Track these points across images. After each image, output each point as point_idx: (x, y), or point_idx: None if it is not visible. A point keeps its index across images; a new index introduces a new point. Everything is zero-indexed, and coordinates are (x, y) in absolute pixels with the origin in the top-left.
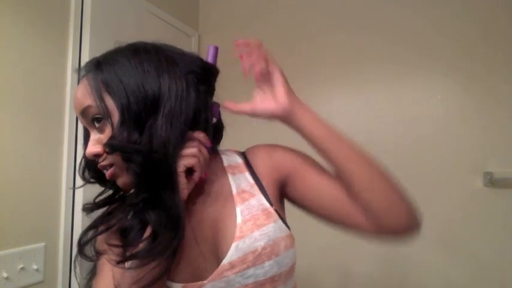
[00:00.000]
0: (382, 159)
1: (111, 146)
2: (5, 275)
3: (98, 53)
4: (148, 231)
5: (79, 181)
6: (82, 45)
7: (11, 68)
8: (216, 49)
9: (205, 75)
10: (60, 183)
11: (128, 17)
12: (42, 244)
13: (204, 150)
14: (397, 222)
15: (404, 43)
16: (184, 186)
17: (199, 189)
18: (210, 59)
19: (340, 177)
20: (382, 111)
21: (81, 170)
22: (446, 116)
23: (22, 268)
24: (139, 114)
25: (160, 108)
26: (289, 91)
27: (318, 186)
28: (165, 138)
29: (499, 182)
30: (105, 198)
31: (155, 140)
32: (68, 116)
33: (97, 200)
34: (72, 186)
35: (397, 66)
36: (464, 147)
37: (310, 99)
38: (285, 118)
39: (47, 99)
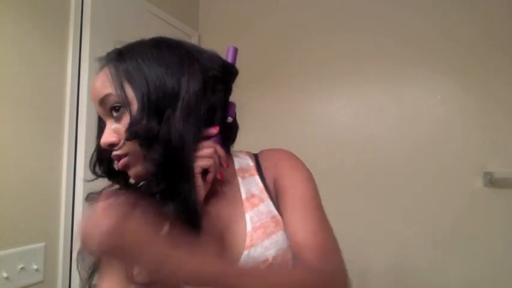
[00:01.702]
0: (381, 160)
1: (133, 132)
2: (5, 275)
3: (97, 53)
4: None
5: (79, 181)
6: (82, 45)
7: (11, 68)
8: (236, 50)
9: (223, 73)
10: (60, 183)
11: (127, 17)
12: (42, 244)
13: (220, 151)
14: None
15: (404, 43)
16: (201, 188)
17: (211, 191)
18: (229, 60)
19: None
20: (382, 111)
21: (92, 165)
22: (446, 116)
23: (22, 268)
24: (157, 104)
25: (179, 101)
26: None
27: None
28: (182, 132)
29: (499, 182)
30: (112, 190)
31: (173, 131)
32: (68, 116)
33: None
34: (72, 186)
35: (397, 66)
36: (464, 147)
37: (311, 98)
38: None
39: (47, 99)
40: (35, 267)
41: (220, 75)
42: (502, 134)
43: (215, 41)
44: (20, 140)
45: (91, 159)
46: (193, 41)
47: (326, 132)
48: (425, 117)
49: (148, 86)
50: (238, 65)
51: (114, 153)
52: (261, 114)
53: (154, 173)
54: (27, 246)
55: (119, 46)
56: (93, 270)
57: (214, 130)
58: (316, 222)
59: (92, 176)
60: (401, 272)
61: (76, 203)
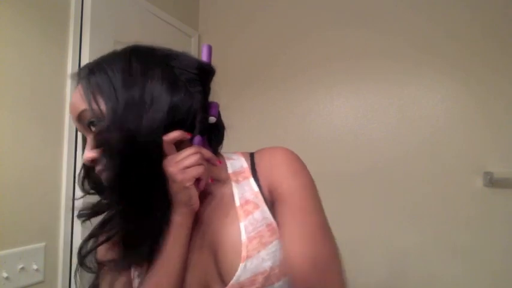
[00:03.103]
0: (381, 160)
1: (99, 141)
2: (5, 275)
3: (97, 53)
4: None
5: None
6: (82, 45)
7: (11, 69)
8: (210, 48)
9: (199, 75)
10: (60, 183)
11: (128, 17)
12: (42, 244)
13: (206, 153)
14: None
15: (405, 42)
16: (196, 197)
17: (201, 196)
18: (204, 58)
19: None
20: (382, 111)
21: (80, 181)
22: (446, 116)
23: (22, 268)
24: (126, 115)
25: (146, 109)
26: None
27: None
28: (150, 140)
29: (499, 182)
30: (102, 205)
31: (141, 140)
32: (68, 115)
33: (94, 208)
34: (72, 186)
35: (397, 65)
36: (464, 147)
37: (311, 98)
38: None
39: (47, 100)
40: (35, 267)
41: (195, 77)
42: (502, 134)
43: (215, 41)
44: (20, 140)
45: (79, 176)
46: (193, 41)
47: (325, 132)
48: (425, 117)
49: (117, 99)
50: (238, 64)
51: (96, 168)
52: (260, 113)
53: (111, 185)
54: (27, 246)
55: (118, 46)
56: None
57: (173, 134)
58: (314, 237)
59: (81, 194)
60: (400, 272)
61: (76, 203)
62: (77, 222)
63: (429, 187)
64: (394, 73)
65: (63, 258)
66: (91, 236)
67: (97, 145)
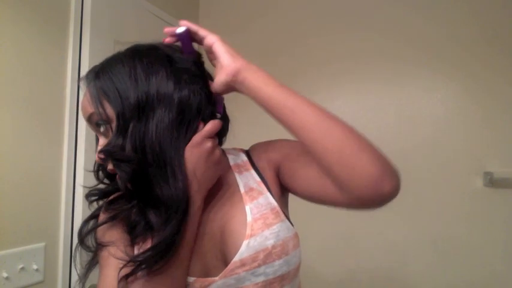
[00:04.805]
0: None
1: (104, 153)
2: (5, 275)
3: (97, 53)
4: (151, 237)
5: (79, 181)
6: (82, 45)
7: (11, 68)
8: (187, 32)
9: (198, 71)
10: (60, 183)
11: (128, 17)
12: (42, 244)
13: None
14: (369, 188)
15: (404, 42)
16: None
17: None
18: (186, 45)
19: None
20: (382, 111)
21: (95, 170)
22: (446, 115)
23: (22, 268)
24: (132, 120)
25: (155, 111)
26: (234, 55)
27: (297, 172)
28: (161, 144)
29: (499, 182)
30: (111, 189)
31: (148, 145)
32: (68, 116)
33: (103, 189)
34: (72, 186)
35: (397, 65)
36: (464, 147)
37: (310, 98)
38: (235, 82)
39: (47, 99)
40: (35, 267)
41: (196, 73)
42: (502, 134)
43: None
44: (20, 140)
45: (94, 165)
46: None
47: None
48: (425, 117)
49: (122, 103)
50: None
51: (108, 167)
52: (260, 113)
53: (126, 190)
54: (27, 246)
55: (118, 46)
56: (90, 267)
57: (208, 126)
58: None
59: (93, 181)
60: (399, 273)
61: (76, 203)
62: (77, 222)
63: (429, 187)
64: (394, 74)
65: (63, 258)
66: (93, 216)
67: (104, 158)
